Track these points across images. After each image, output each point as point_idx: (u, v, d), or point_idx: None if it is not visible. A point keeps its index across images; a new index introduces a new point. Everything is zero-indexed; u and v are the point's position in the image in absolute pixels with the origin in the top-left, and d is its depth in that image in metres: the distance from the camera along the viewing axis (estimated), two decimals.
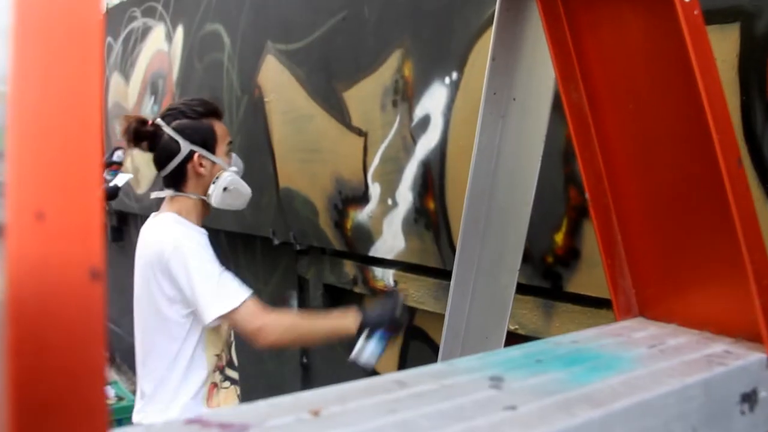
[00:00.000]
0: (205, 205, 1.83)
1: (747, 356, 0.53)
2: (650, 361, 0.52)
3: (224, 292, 1.63)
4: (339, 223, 2.74)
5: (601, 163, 0.65)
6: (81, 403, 0.27)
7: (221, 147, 1.83)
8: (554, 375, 0.48)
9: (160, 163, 1.82)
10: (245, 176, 1.99)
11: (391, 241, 2.52)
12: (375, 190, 2.56)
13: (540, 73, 0.71)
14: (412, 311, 2.48)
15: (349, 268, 2.78)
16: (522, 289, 1.87)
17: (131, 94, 4.56)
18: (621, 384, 0.47)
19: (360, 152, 2.60)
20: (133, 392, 2.97)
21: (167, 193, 1.83)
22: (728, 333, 0.58)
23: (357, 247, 2.62)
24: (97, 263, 0.28)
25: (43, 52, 0.28)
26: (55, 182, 0.27)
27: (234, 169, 1.85)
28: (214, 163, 1.79)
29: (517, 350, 0.54)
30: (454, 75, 2.16)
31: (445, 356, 0.82)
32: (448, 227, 2.19)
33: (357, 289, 2.66)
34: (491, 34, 0.72)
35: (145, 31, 4.34)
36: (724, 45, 1.38)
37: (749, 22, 1.38)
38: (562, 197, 1.74)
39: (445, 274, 2.27)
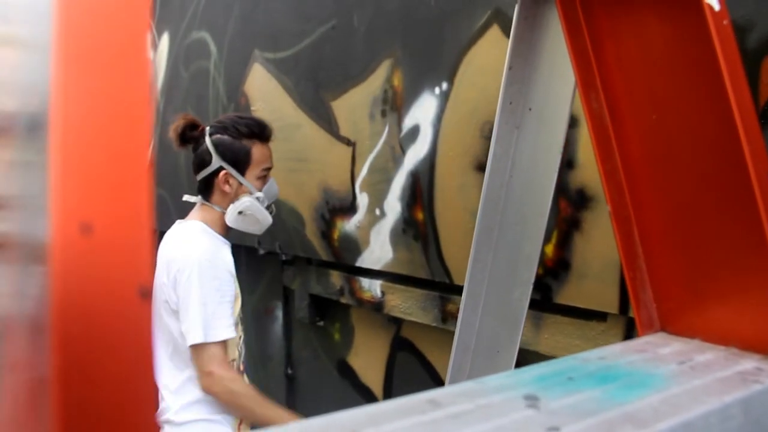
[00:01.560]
0: None
1: None
2: (683, 378, 0.51)
3: (210, 323, 1.63)
4: (326, 233, 2.72)
5: (622, 174, 0.64)
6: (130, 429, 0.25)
7: (254, 170, 1.83)
8: (589, 393, 0.47)
9: (195, 169, 1.85)
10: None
11: (378, 252, 2.50)
12: (363, 200, 2.55)
13: (558, 83, 0.70)
14: (399, 322, 2.47)
15: (336, 278, 2.76)
16: None
17: None
18: (660, 403, 0.45)
19: (348, 162, 2.58)
20: None
21: (196, 199, 1.85)
22: (755, 349, 0.57)
23: (344, 257, 2.60)
24: (146, 281, 0.26)
25: (92, 65, 0.25)
26: (103, 193, 0.25)
27: (259, 194, 1.84)
28: (240, 183, 1.80)
29: (546, 367, 0.52)
30: (444, 85, 2.15)
31: (455, 370, 0.80)
32: (437, 238, 2.18)
33: (343, 300, 2.65)
34: (508, 42, 0.71)
35: None
36: None
37: (742, 36, 1.39)
38: (552, 209, 1.74)
39: (432, 285, 2.25)
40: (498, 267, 0.75)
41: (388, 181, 2.45)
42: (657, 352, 0.57)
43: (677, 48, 0.59)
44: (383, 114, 2.44)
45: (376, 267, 2.54)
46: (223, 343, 1.64)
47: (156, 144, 3.93)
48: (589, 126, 0.64)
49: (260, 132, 1.86)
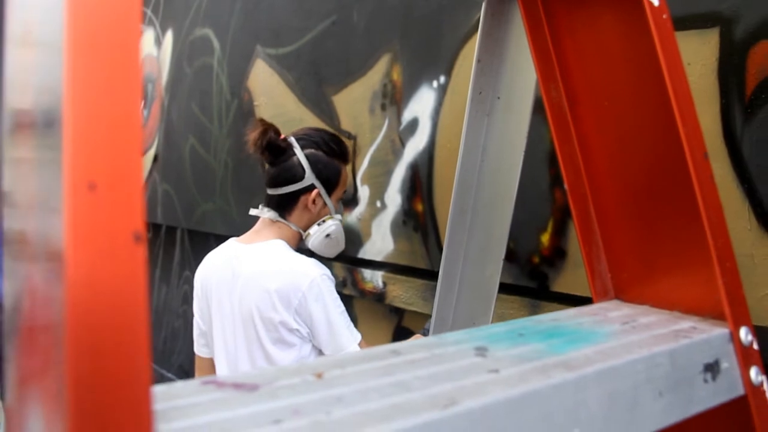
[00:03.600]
0: (300, 238, 1.78)
1: (711, 331, 0.58)
2: (622, 335, 0.57)
3: (350, 327, 1.63)
4: None
5: (579, 156, 0.70)
6: (126, 362, 0.31)
7: (338, 192, 1.77)
8: (534, 346, 0.53)
9: (275, 182, 1.73)
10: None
11: (380, 243, 2.56)
12: (364, 192, 2.60)
13: (523, 74, 0.76)
14: (400, 312, 2.52)
15: (339, 270, 2.82)
16: (509, 288, 1.92)
17: None
18: (595, 353, 0.52)
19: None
20: None
21: (270, 214, 1.75)
22: (696, 312, 0.63)
23: (346, 249, 2.67)
24: (140, 228, 0.32)
25: (90, 59, 0.32)
26: (104, 158, 0.32)
27: (339, 217, 1.80)
28: (325, 204, 1.74)
29: (502, 326, 0.59)
30: (442, 79, 2.21)
31: None
32: (437, 229, 2.23)
33: (346, 291, 2.70)
34: (477, 37, 0.77)
35: None
36: (704, 49, 1.44)
37: (728, 27, 1.44)
38: (548, 198, 1.79)
39: (433, 275, 2.31)
40: (471, 247, 0.82)
41: (388, 173, 2.51)
42: (606, 315, 0.64)
43: (625, 41, 0.65)
44: (383, 108, 2.50)
45: (378, 258, 2.60)
46: (359, 343, 1.65)
47: (161, 139, 4.00)
48: (548, 113, 0.70)
49: (347, 154, 1.79)
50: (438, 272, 2.24)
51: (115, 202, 0.31)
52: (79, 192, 0.31)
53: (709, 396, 0.55)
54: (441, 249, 2.30)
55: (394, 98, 2.44)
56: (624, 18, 0.64)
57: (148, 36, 4.18)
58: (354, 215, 2.62)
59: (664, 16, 0.61)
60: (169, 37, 3.88)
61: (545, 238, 1.88)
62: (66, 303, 0.30)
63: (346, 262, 2.78)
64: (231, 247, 1.82)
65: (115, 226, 0.31)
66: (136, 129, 0.32)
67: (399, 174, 2.45)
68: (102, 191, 0.31)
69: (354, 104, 2.59)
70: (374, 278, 2.72)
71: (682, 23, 1.50)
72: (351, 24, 2.56)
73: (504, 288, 1.50)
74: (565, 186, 0.71)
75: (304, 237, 1.77)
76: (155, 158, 4.18)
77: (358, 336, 1.63)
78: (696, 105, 0.62)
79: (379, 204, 2.54)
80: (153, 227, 4.54)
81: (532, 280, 1.91)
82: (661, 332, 0.58)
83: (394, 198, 2.47)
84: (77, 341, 0.30)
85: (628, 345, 0.54)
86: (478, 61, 0.77)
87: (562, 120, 0.70)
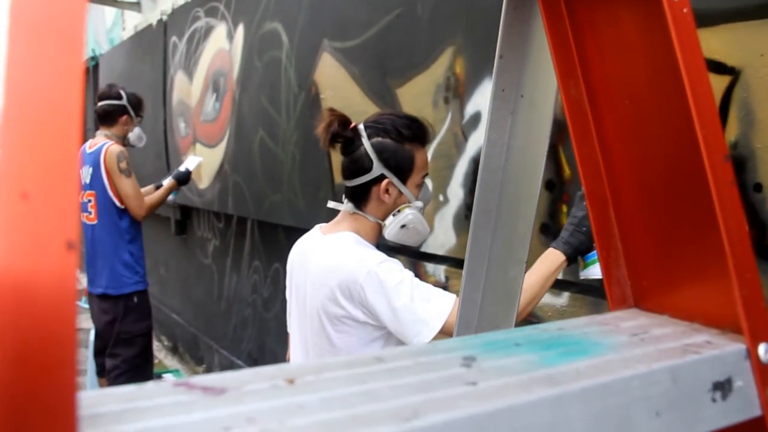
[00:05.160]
0: (380, 229, 1.74)
1: (725, 346, 0.55)
2: (626, 348, 0.54)
3: (429, 310, 1.50)
4: None
5: (599, 157, 0.67)
6: (52, 357, 0.32)
7: (415, 178, 1.70)
8: (526, 357, 0.51)
9: (346, 174, 1.71)
10: None
11: (442, 237, 2.55)
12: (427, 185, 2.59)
13: (545, 70, 0.73)
14: None
15: (402, 263, 2.82)
16: None
17: (194, 92, 4.71)
18: (587, 367, 0.49)
19: None
20: None
21: (347, 207, 1.73)
22: (716, 325, 0.59)
23: None
24: (73, 236, 0.33)
25: (28, 53, 0.32)
26: (37, 167, 0.32)
27: (419, 204, 1.72)
28: (401, 192, 1.68)
29: (501, 335, 0.57)
30: None
31: None
32: None
33: None
34: (498, 32, 0.75)
35: (208, 30, 4.48)
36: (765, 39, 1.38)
37: None
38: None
39: None
40: (496, 246, 0.80)
41: (450, 167, 2.49)
42: (618, 325, 0.61)
43: (645, 37, 0.61)
44: (446, 101, 2.48)
45: (440, 252, 2.59)
46: (448, 316, 1.49)
47: (232, 132, 4.09)
48: (566, 112, 0.67)
49: (423, 135, 1.70)
50: None
51: (47, 209, 0.32)
52: (12, 201, 0.31)
53: (717, 416, 0.52)
54: None
55: (457, 91, 2.41)
56: (643, 12, 0.61)
57: (220, 30, 4.27)
58: None
59: (685, 11, 0.58)
60: (240, 32, 3.96)
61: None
62: None
63: (410, 255, 2.77)
64: (313, 235, 1.82)
65: (48, 234, 0.32)
66: (72, 133, 0.32)
67: (461, 168, 2.43)
68: (34, 199, 0.32)
69: (417, 97, 2.58)
70: (437, 272, 2.71)
71: (759, 12, 1.42)
72: (415, 17, 2.55)
73: None
74: (583, 188, 0.68)
75: (383, 229, 1.72)
76: (221, 166, 4.29)
77: (435, 324, 1.49)
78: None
79: (441, 198, 2.52)
80: (225, 217, 4.66)
81: None
82: (669, 346, 0.54)
83: (456, 192, 2.45)
84: (3, 344, 0.31)
85: (627, 360, 0.51)
86: (500, 56, 0.74)
87: (582, 119, 0.67)
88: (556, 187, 2.04)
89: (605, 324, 0.61)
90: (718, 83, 1.55)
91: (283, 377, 0.45)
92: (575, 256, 1.60)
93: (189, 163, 4.30)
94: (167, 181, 4.14)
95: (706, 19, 1.56)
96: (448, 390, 0.44)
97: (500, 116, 0.76)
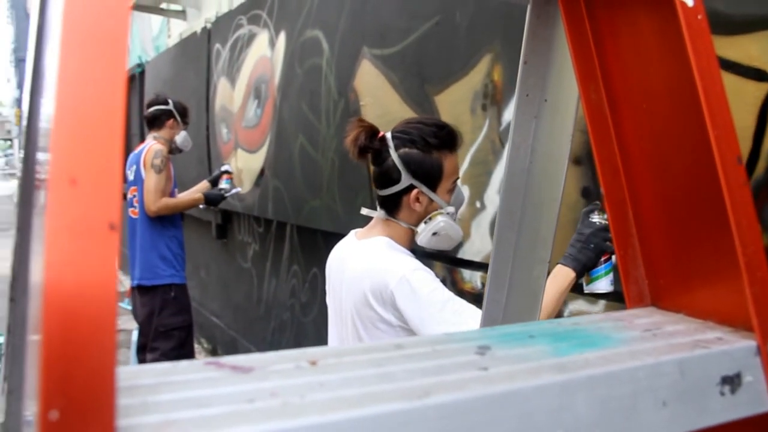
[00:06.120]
0: (413, 235, 1.76)
1: (736, 343, 0.56)
2: (637, 342, 0.56)
3: (458, 324, 1.50)
4: None
5: (618, 159, 0.69)
6: (95, 323, 0.35)
7: (445, 184, 1.71)
8: (539, 348, 0.53)
9: (377, 184, 1.74)
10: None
11: (479, 244, 2.56)
12: (464, 192, 2.61)
13: (568, 76, 0.76)
14: None
15: (438, 269, 2.84)
16: None
17: (236, 98, 4.80)
18: (596, 357, 0.51)
19: None
20: None
21: (380, 213, 1.76)
22: (729, 323, 0.61)
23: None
24: (115, 219, 0.36)
25: (75, 59, 0.37)
26: (84, 157, 0.36)
27: (451, 209, 1.73)
28: (431, 200, 1.70)
29: (517, 327, 0.59)
30: None
31: None
32: None
33: None
34: (523, 38, 0.77)
35: (251, 38, 4.56)
36: None
37: None
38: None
39: None
40: (520, 247, 0.82)
41: (488, 174, 2.50)
42: (633, 322, 0.62)
43: (662, 42, 0.63)
44: (484, 108, 2.50)
45: (477, 259, 2.60)
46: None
47: (273, 137, 4.16)
48: (586, 116, 0.70)
49: (451, 141, 1.71)
50: None
51: (93, 194, 0.36)
52: (62, 186, 0.35)
53: (725, 409, 0.53)
54: None
55: (494, 99, 2.43)
56: (660, 18, 0.63)
57: (263, 38, 4.36)
58: None
59: (699, 17, 0.60)
60: (282, 39, 4.04)
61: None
62: (44, 282, 0.34)
63: (446, 261, 2.79)
64: (349, 241, 1.86)
65: (93, 216, 0.36)
66: (116, 129, 0.36)
67: (498, 175, 2.44)
68: (82, 185, 0.36)
69: (455, 104, 2.60)
70: (473, 279, 2.72)
71: None
72: (454, 24, 2.57)
73: None
74: (602, 189, 0.70)
75: (415, 234, 1.74)
76: (262, 171, 4.36)
77: (466, 327, 1.49)
78: None
79: (478, 204, 2.54)
80: (264, 222, 4.73)
81: None
82: (680, 341, 0.56)
83: (493, 199, 2.46)
84: (52, 312, 0.35)
85: (636, 352, 0.53)
86: (525, 62, 0.77)
87: (602, 122, 0.69)
88: (592, 194, 2.04)
89: (620, 320, 0.63)
90: (758, 90, 1.55)
91: (307, 359, 0.49)
92: (584, 272, 1.64)
93: (228, 189, 4.37)
94: (199, 193, 4.25)
95: (745, 26, 1.56)
96: (460, 374, 0.47)
97: (525, 120, 0.78)
